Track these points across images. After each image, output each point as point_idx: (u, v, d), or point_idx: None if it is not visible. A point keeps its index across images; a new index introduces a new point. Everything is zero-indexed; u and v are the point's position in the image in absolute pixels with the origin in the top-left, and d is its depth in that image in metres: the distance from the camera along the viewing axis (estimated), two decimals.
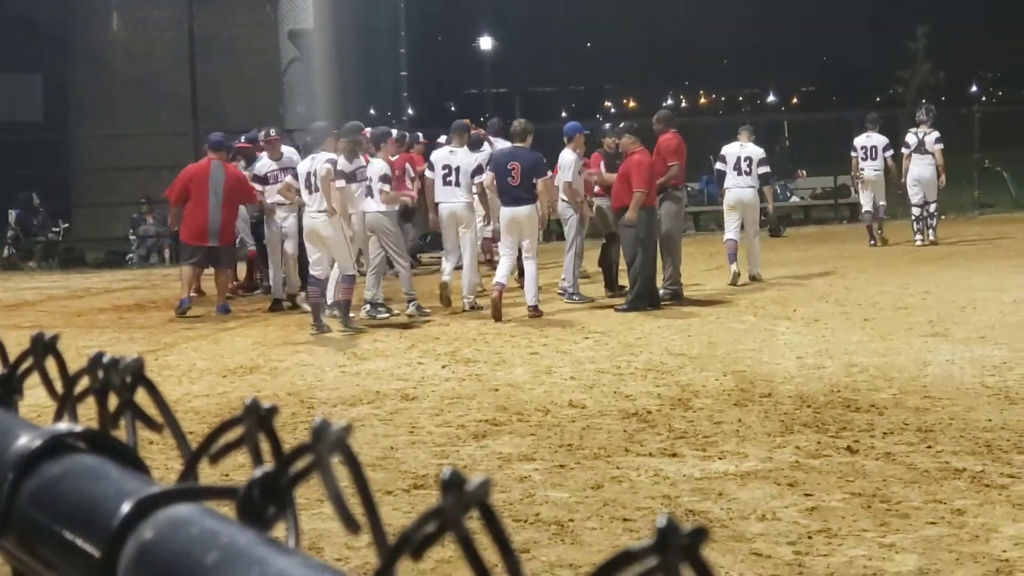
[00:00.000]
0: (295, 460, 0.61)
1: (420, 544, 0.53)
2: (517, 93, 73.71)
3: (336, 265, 12.41)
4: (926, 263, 16.62)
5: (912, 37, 42.12)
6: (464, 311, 13.14)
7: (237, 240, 15.00)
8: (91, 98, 25.23)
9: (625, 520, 5.85)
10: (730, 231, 15.82)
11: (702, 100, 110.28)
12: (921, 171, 18.96)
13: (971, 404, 8.05)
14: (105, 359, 0.79)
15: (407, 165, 15.17)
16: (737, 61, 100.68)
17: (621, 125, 13.91)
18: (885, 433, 7.38)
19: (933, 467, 6.59)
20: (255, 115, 21.51)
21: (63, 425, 0.74)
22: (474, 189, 13.59)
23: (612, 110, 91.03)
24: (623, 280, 13.92)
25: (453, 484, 0.52)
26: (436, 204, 13.92)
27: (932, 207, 19.14)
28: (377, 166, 12.97)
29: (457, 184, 13.51)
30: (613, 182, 13.64)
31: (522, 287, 13.35)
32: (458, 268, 13.60)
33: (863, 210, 19.77)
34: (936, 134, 18.98)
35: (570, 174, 13.95)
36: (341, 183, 12.20)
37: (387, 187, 12.87)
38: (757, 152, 15.73)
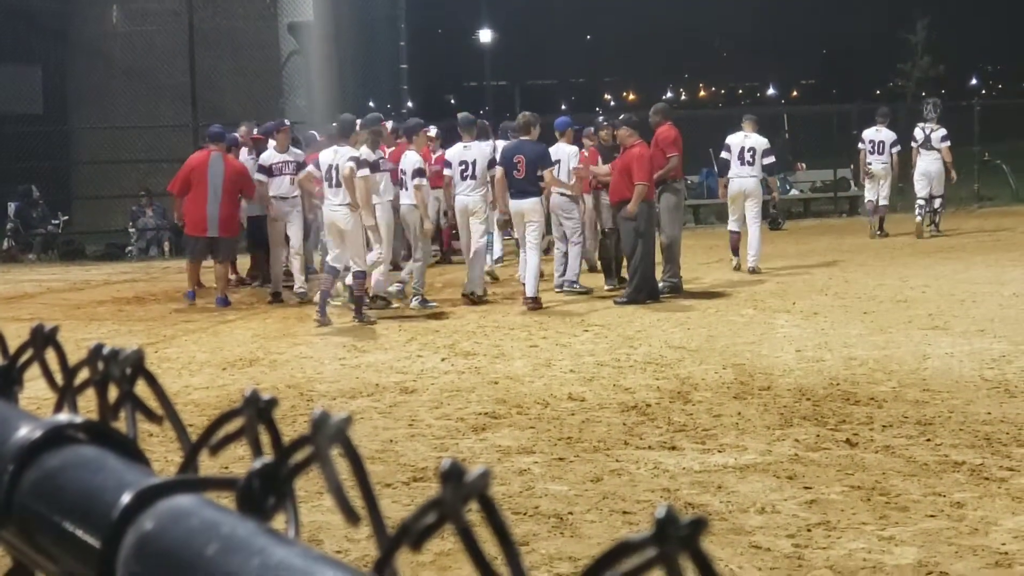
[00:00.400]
0: (295, 451, 0.61)
1: (420, 535, 0.53)
2: (516, 86, 73.68)
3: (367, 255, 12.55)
4: (925, 256, 16.62)
5: (912, 30, 42.06)
6: (471, 300, 13.23)
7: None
8: (91, 90, 25.19)
9: (624, 513, 5.85)
10: (733, 223, 15.91)
11: (701, 93, 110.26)
12: (927, 166, 19.14)
13: (970, 397, 8.06)
14: (105, 351, 0.79)
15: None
16: (737, 54, 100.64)
17: (621, 117, 13.90)
18: (884, 426, 7.39)
19: (932, 460, 6.59)
20: (255, 108, 21.53)
21: (63, 416, 0.74)
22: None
23: (612, 103, 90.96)
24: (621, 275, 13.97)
25: (452, 475, 0.52)
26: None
27: (937, 202, 19.27)
28: (411, 159, 13.10)
29: (473, 177, 13.54)
30: (603, 175, 13.73)
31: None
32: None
33: (865, 200, 19.87)
34: (943, 131, 19.21)
35: (571, 165, 14.01)
36: (365, 172, 12.31)
37: (423, 180, 13.00)
38: (761, 142, 15.77)
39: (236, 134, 15.66)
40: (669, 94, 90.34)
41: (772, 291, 13.62)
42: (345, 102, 20.57)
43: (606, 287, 14.20)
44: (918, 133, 19.37)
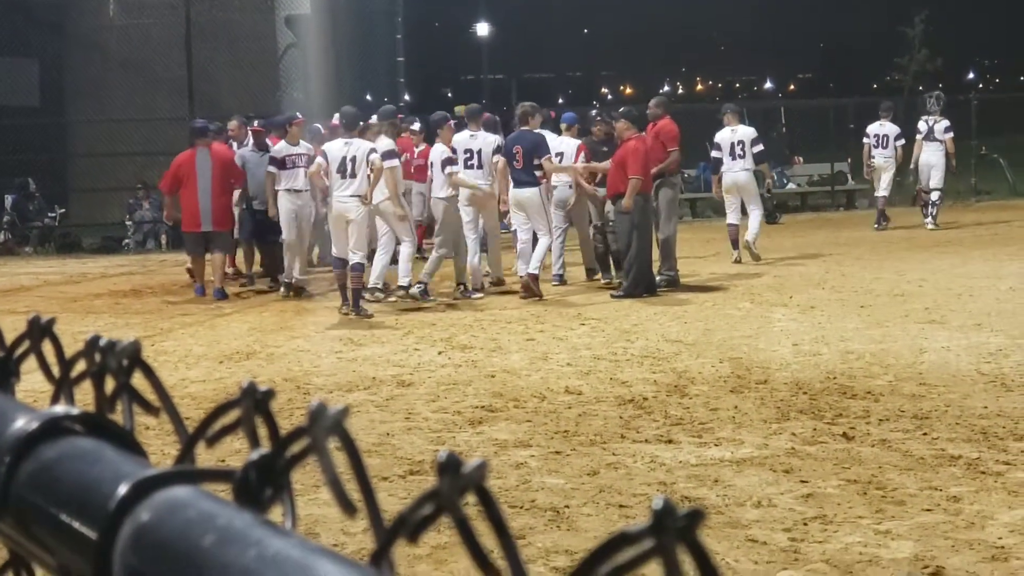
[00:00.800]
0: (292, 443, 0.61)
1: (417, 526, 0.53)
2: (514, 79, 73.58)
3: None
4: (922, 250, 16.63)
5: (909, 24, 42.03)
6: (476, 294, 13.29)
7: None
8: (87, 83, 25.16)
9: (621, 507, 5.86)
10: (731, 215, 15.98)
11: (699, 87, 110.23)
12: (928, 157, 19.52)
13: (967, 391, 8.06)
14: (102, 342, 0.79)
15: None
16: (734, 48, 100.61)
17: (620, 110, 13.91)
18: (881, 420, 7.39)
19: (929, 454, 6.60)
20: (251, 101, 21.50)
21: (60, 408, 0.74)
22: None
23: (609, 96, 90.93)
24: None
25: (449, 466, 0.52)
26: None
27: (935, 195, 19.47)
28: (440, 150, 13.19)
29: (480, 167, 13.57)
30: (595, 170, 13.77)
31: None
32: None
33: (876, 194, 20.11)
34: (946, 123, 19.63)
35: (576, 160, 14.10)
36: (395, 162, 12.47)
37: (455, 168, 13.12)
38: (749, 133, 15.93)
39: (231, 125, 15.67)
40: (666, 88, 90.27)
41: (769, 285, 13.63)
42: (342, 95, 20.55)
43: (602, 281, 14.20)
44: (922, 125, 19.72)
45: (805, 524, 5.51)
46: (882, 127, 19.70)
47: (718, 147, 15.95)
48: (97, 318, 12.79)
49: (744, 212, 15.96)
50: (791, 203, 25.07)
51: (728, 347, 9.89)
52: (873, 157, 19.68)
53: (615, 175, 13.07)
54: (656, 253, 13.59)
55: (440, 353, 10.12)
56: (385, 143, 12.59)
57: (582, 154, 14.13)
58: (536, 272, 13.03)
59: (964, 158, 25.22)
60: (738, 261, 15.67)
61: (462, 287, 13.37)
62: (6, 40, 24.20)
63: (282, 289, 14.00)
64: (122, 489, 0.63)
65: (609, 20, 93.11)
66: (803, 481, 6.18)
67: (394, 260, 13.16)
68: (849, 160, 25.95)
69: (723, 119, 16.18)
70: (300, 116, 14.95)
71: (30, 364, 0.92)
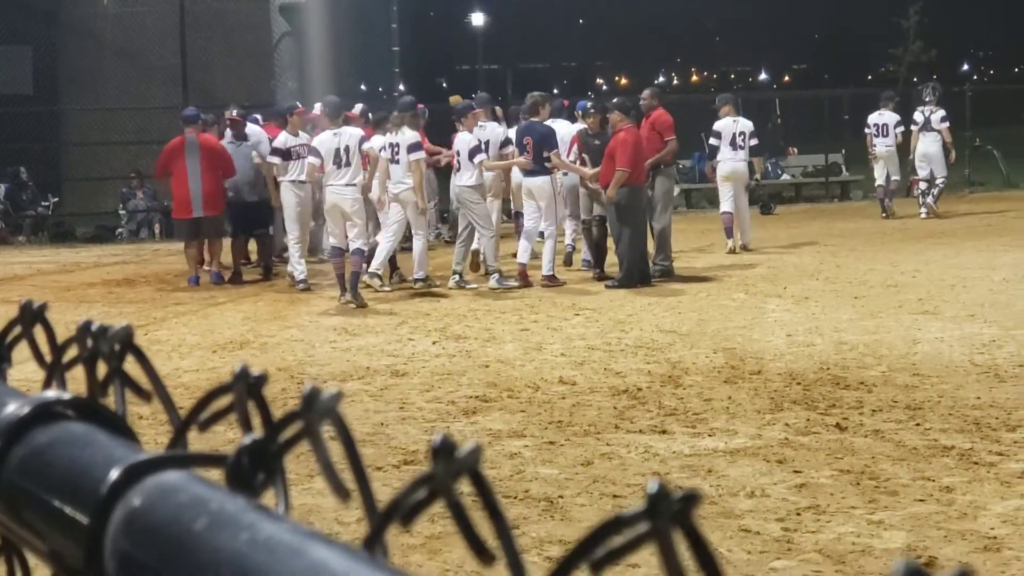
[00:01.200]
0: (285, 427, 0.61)
1: (410, 511, 0.53)
2: (509, 69, 73.53)
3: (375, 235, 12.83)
4: (916, 241, 16.65)
5: (904, 15, 42.05)
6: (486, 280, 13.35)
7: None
8: (81, 72, 25.09)
9: (615, 496, 5.86)
10: (725, 203, 16.03)
11: (694, 78, 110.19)
12: (927, 147, 19.71)
13: (960, 382, 8.08)
14: (94, 327, 0.78)
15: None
16: (729, 39, 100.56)
17: (614, 101, 13.91)
18: (874, 410, 7.40)
19: (922, 444, 6.61)
20: (246, 90, 21.47)
21: (51, 393, 0.74)
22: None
23: (604, 87, 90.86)
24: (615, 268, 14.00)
25: (444, 450, 0.52)
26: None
27: (939, 181, 19.79)
28: (465, 139, 13.20)
29: (487, 157, 13.60)
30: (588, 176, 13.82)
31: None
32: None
33: (876, 184, 20.22)
34: (942, 112, 19.85)
35: (569, 151, 14.12)
36: (420, 155, 12.71)
37: (485, 156, 13.25)
38: (748, 125, 16.24)
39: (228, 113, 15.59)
40: (661, 78, 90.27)
41: (763, 275, 13.64)
42: (337, 85, 20.52)
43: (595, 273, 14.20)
44: (918, 116, 19.87)
45: (798, 514, 5.52)
46: (881, 116, 19.84)
47: (718, 135, 16.06)
48: (90, 307, 12.77)
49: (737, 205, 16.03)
50: (785, 194, 25.06)
51: (722, 337, 9.90)
52: (875, 146, 19.83)
53: (606, 167, 13.06)
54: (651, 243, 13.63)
55: (434, 343, 10.12)
56: (410, 135, 12.67)
57: (575, 147, 14.12)
58: (551, 272, 13.13)
59: (958, 149, 25.15)
60: (732, 251, 15.70)
61: (458, 276, 13.35)
62: (0, 28, 24.14)
63: (299, 285, 13.49)
64: (114, 474, 0.63)
65: (604, 10, 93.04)
66: (796, 471, 6.19)
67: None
68: (843, 151, 25.96)
69: (719, 110, 16.23)
70: (300, 106, 14.88)
71: (23, 353, 0.92)
